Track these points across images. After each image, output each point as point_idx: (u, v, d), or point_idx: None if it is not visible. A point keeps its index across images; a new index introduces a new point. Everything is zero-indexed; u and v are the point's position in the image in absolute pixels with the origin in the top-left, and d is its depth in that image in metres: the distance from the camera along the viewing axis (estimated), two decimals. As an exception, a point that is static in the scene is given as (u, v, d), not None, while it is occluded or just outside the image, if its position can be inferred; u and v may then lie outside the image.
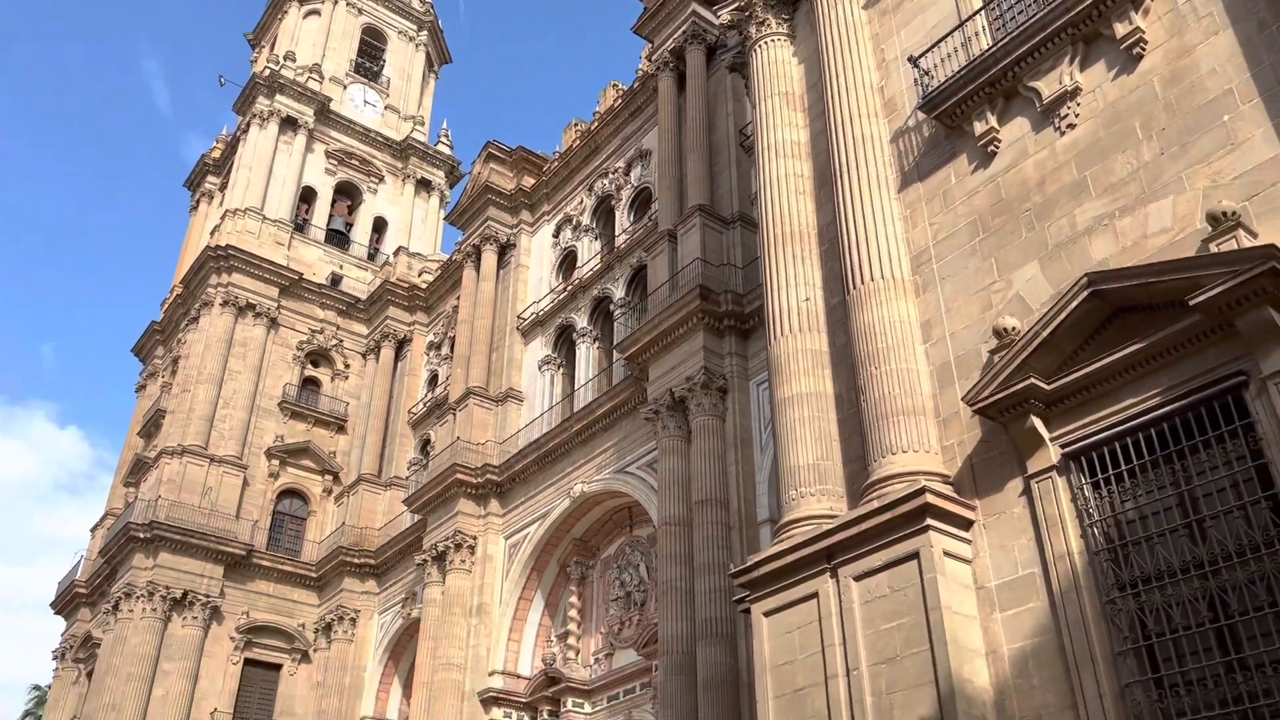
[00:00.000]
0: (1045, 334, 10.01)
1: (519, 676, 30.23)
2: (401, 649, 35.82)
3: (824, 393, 12.50)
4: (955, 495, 10.44)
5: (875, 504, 10.57)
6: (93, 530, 43.57)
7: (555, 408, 33.45)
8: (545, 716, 28.88)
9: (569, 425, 30.76)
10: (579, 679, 28.58)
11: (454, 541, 31.71)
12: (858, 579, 10.56)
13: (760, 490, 23.80)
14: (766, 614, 11.41)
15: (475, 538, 31.94)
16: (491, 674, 29.87)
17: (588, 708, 28.38)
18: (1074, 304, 9.89)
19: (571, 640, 29.84)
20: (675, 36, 30.62)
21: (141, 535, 35.11)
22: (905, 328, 11.77)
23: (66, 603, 41.71)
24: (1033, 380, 9.93)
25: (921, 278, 12.18)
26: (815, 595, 10.89)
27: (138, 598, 34.32)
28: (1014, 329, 10.51)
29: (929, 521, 10.09)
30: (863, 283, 12.23)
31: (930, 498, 10.10)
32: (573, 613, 30.29)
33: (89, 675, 37.14)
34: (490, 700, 29.32)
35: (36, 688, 55.29)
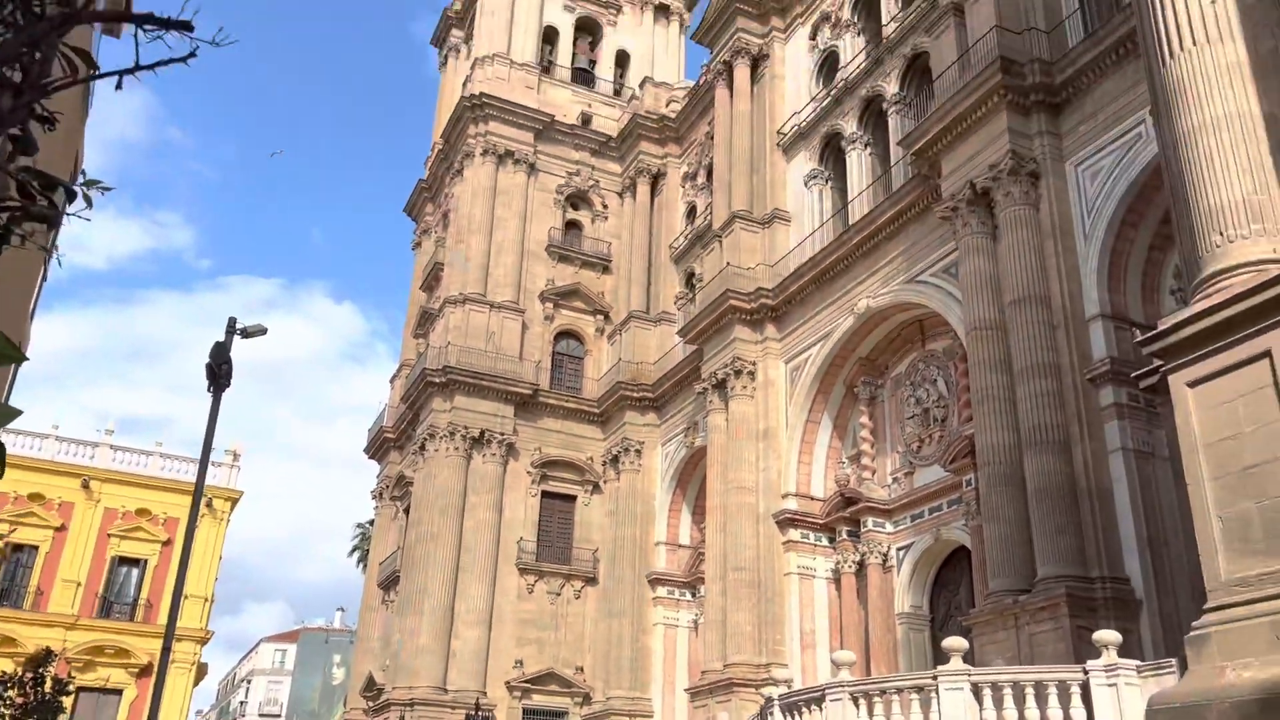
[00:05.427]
0: None
1: (812, 498, 29.62)
2: (687, 477, 36.23)
3: (1249, 113, 9.94)
4: None
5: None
6: (391, 381, 46.84)
7: (827, 224, 31.44)
8: (844, 536, 28.20)
9: (846, 239, 28.76)
10: (878, 498, 27.55)
11: (733, 368, 31.05)
12: (1333, 329, 8.35)
13: (1087, 283, 21.12)
14: (1191, 384, 9.44)
15: (754, 363, 31.11)
16: (785, 496, 29.41)
17: (889, 527, 27.41)
18: None
19: (865, 461, 28.69)
20: None
21: (437, 380, 37.07)
22: (1379, 8, 8.97)
23: (377, 448, 45.44)
24: None
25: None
26: (1268, 354, 8.79)
27: (441, 437, 36.51)
28: None
29: None
30: (1305, -38, 9.42)
31: None
32: (864, 433, 29.04)
33: (406, 511, 40.43)
34: (786, 522, 28.96)
35: (360, 525, 61.83)
